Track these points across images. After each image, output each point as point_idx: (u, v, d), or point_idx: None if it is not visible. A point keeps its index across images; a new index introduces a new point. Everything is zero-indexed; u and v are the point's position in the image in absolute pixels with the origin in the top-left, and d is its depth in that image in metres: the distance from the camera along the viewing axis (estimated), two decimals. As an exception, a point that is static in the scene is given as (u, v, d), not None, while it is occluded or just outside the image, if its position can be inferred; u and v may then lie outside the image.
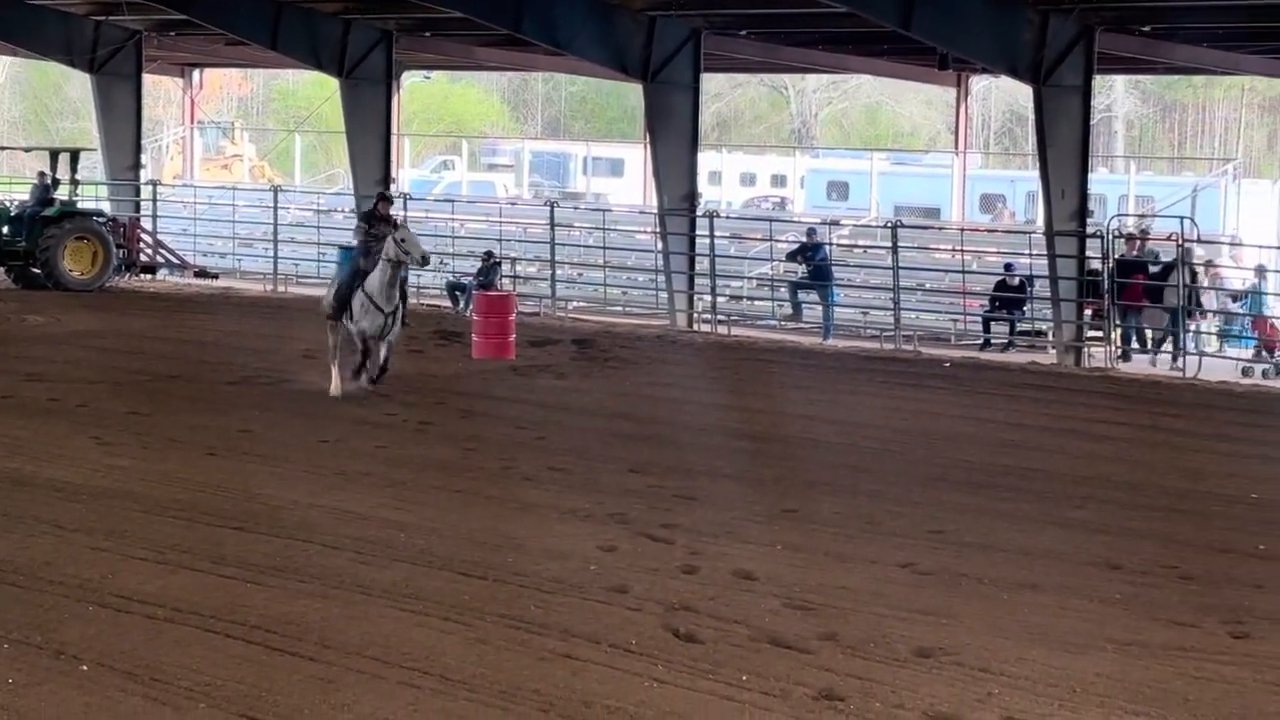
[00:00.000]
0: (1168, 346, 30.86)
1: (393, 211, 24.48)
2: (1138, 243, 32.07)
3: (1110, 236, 30.84)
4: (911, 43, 33.62)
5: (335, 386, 22.76)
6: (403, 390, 23.67)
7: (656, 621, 11.98)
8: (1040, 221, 33.42)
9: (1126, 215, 38.19)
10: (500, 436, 20.13)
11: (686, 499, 16.52)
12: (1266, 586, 13.76)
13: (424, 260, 22.78)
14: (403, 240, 22.29)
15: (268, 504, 15.78)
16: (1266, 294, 31.60)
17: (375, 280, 22.45)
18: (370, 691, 10.31)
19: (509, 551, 14.09)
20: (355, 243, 23.91)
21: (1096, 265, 30.74)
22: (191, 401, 22.24)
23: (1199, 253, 32.01)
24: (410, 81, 61.16)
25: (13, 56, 62.29)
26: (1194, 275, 30.55)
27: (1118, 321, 30.76)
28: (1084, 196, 30.68)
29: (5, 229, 37.19)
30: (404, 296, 23.30)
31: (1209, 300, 31.74)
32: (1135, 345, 31.36)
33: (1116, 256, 30.68)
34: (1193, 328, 30.86)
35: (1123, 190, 45.41)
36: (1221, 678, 11.12)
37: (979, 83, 43.74)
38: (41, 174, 38.69)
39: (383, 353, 22.85)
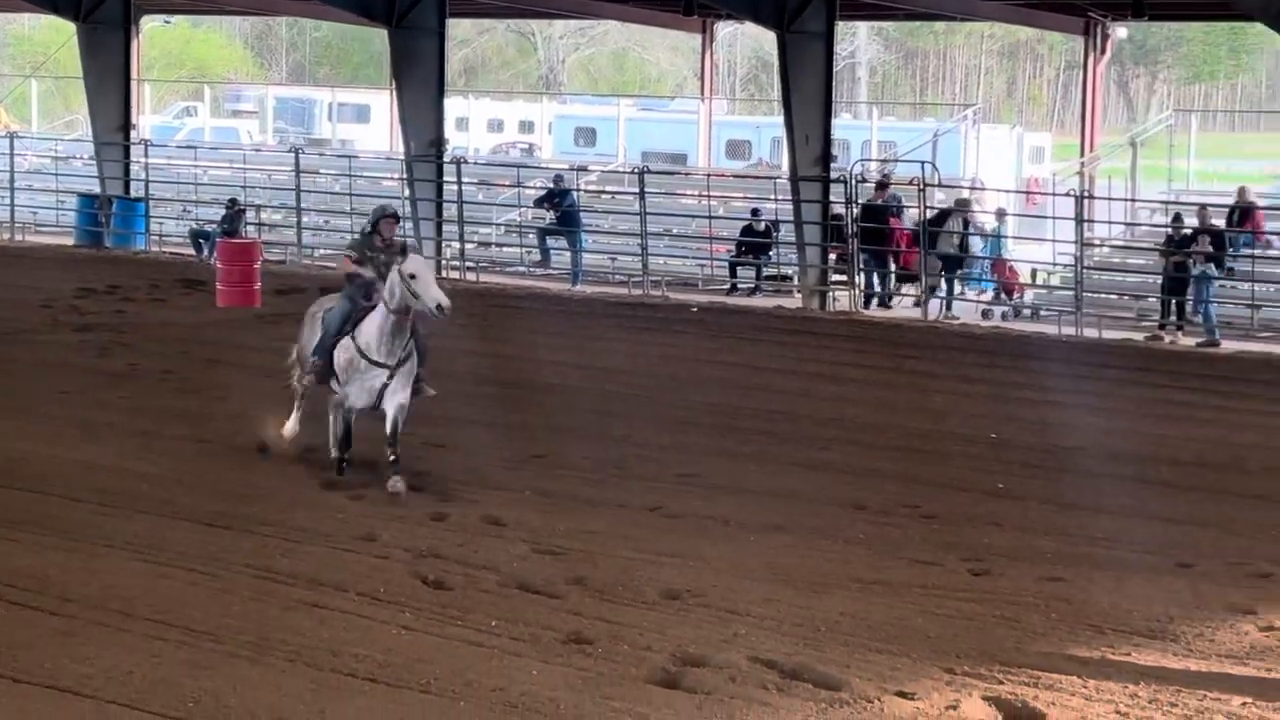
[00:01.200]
0: (911, 290, 31.27)
1: (391, 235, 15.89)
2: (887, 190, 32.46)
3: (854, 182, 31.19)
4: (658, -12, 33.69)
5: (280, 432, 16.10)
6: (146, 339, 23.31)
7: (405, 569, 11.96)
8: (785, 167, 33.65)
9: (869, 160, 38.63)
10: (246, 385, 19.85)
11: (436, 446, 16.46)
12: (1005, 524, 14.07)
13: (440, 310, 14.85)
14: (412, 277, 14.90)
15: (7, 456, 15.46)
16: (1006, 237, 32.14)
17: (372, 328, 15.22)
18: (113, 644, 10.17)
19: (255, 501, 13.97)
20: (350, 272, 15.90)
21: (840, 210, 31.08)
22: (-74, 353, 21.73)
23: (953, 198, 32.45)
24: (150, 26, 60.01)
25: None
26: (967, 223, 30.98)
27: (861, 266, 31.12)
28: (827, 142, 30.97)
29: None
30: (420, 351, 15.55)
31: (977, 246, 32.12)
32: (879, 289, 31.75)
33: (863, 202, 31.05)
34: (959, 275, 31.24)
35: (866, 136, 45.91)
36: (961, 614, 11.35)
37: (724, 29, 43.94)
38: None
39: (390, 414, 15.20)
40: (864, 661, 10.22)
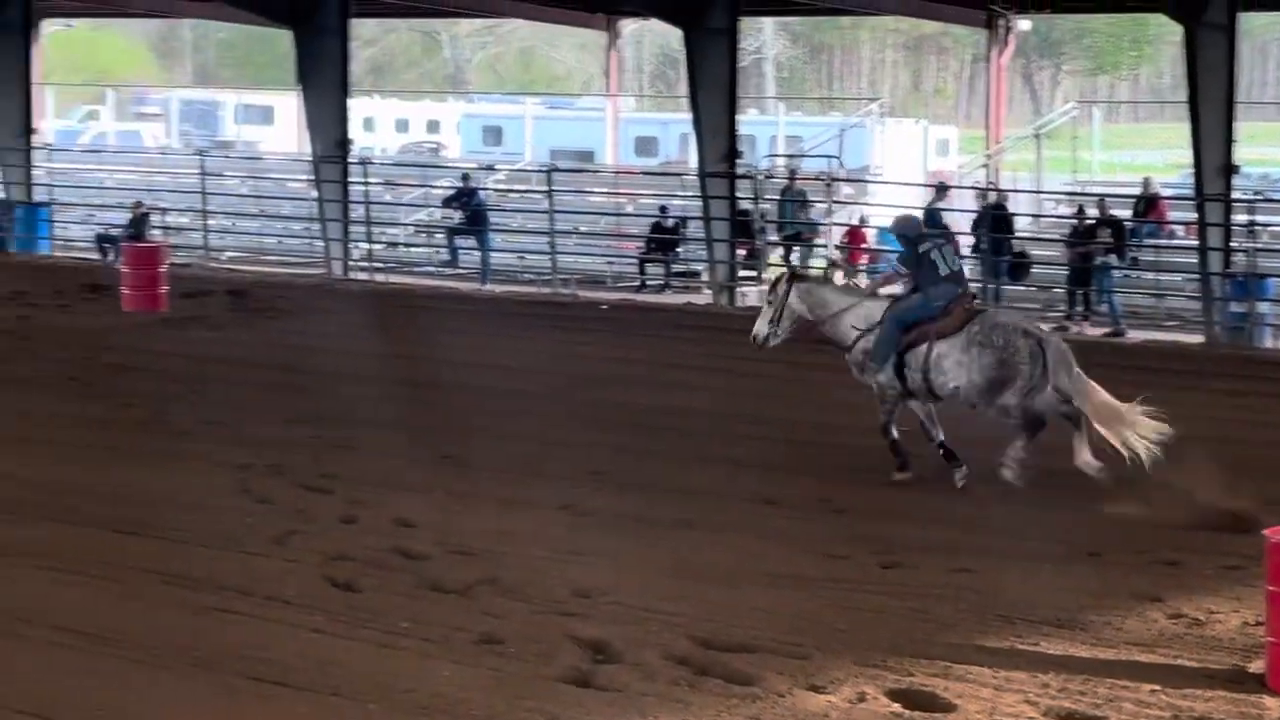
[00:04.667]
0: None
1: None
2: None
3: (761, 177, 31.26)
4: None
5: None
6: (51, 345, 23.12)
7: (315, 572, 11.90)
8: (693, 163, 33.69)
9: (776, 155, 38.74)
10: (152, 390, 19.76)
11: (346, 448, 16.41)
12: (913, 517, 14.12)
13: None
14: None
15: (-91, 466, 15.31)
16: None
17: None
18: (18, 653, 10.09)
19: (163, 507, 13.86)
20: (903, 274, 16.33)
21: (748, 206, 31.17)
22: None
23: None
24: (51, 30, 59.51)
25: None
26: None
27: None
28: (733, 138, 31.04)
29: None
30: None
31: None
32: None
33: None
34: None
35: (773, 131, 46.05)
36: (872, 607, 11.39)
37: (630, 26, 43.85)
38: None
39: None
40: (775, 656, 10.23)
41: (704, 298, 31.35)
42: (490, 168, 38.71)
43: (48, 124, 48.45)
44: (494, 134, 51.97)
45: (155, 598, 11.22)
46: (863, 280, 19.12)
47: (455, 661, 10.09)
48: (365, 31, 68.91)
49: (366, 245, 34.59)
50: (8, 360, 21.82)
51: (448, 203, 35.17)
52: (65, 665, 9.93)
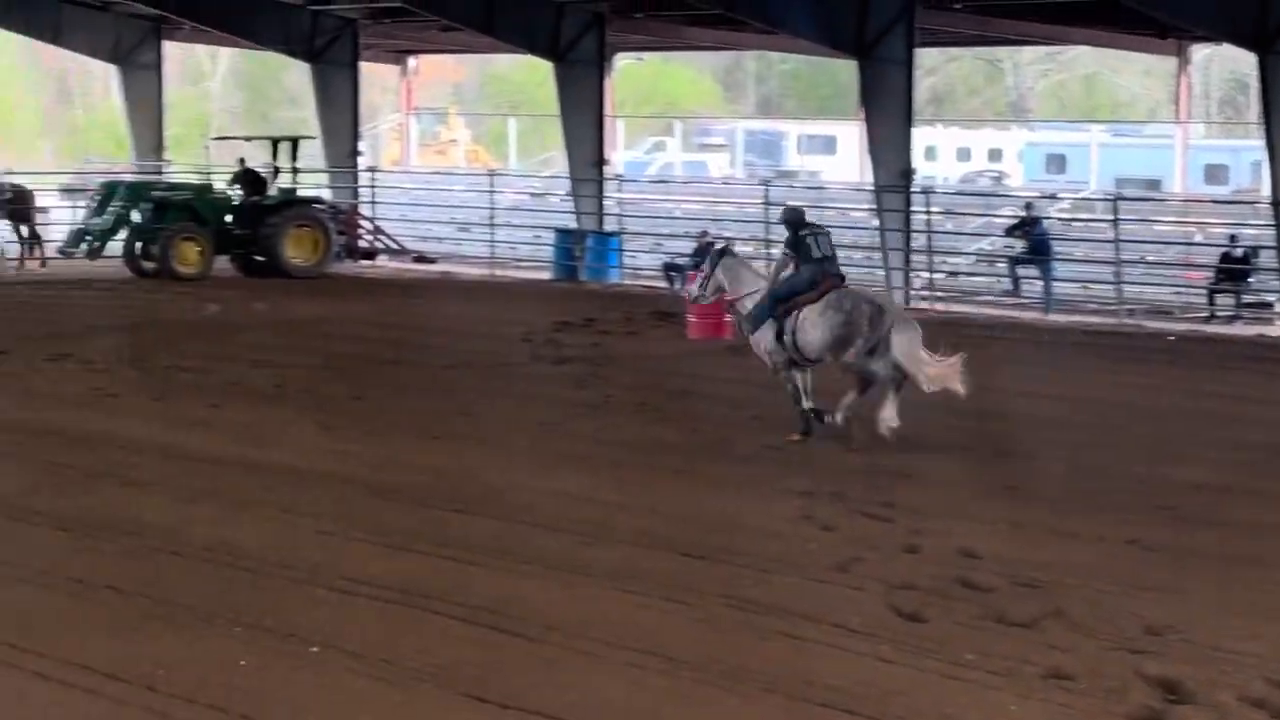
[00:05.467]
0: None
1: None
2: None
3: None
4: (1130, 11, 33.06)
5: None
6: (620, 371, 23.75)
7: (879, 600, 11.88)
8: (1266, 191, 32.67)
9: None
10: (717, 416, 20.08)
11: (905, 476, 16.40)
12: None
13: None
14: None
15: (489, 486, 15.88)
16: None
17: None
18: (594, 672, 10.34)
19: (728, 531, 14.06)
20: None
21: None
22: (412, 386, 22.46)
23: None
24: (623, 63, 61.27)
25: (233, 47, 63.47)
26: None
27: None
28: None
29: (229, 218, 37.76)
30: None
31: None
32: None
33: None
34: None
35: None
36: None
37: (1200, 51, 42.92)
38: (241, 160, 39.09)
39: None
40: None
41: (1277, 329, 30.36)
42: (1053, 196, 38.26)
43: (618, 155, 49.94)
44: (1057, 162, 51.41)
45: (725, 621, 11.37)
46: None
47: (1020, 695, 9.96)
48: (927, 60, 68.87)
49: (927, 274, 34.57)
50: (582, 386, 22.47)
51: (1010, 231, 34.91)
52: (641, 684, 10.15)
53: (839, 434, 18.08)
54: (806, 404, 18.64)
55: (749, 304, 19.15)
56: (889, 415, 17.86)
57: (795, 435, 18.45)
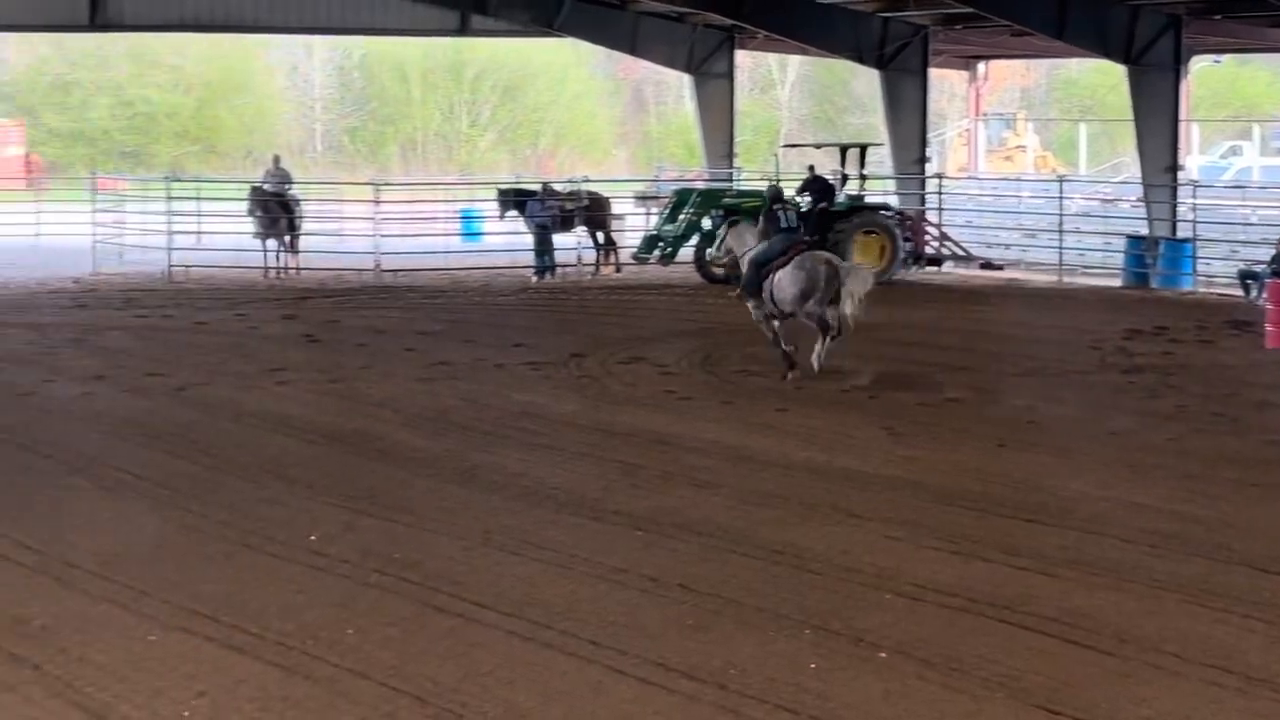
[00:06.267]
0: None
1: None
2: None
3: None
4: None
5: None
6: (1193, 381, 23.15)
7: None
8: None
9: None
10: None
11: None
12: None
13: None
14: None
15: (1056, 495, 15.65)
16: None
17: None
18: (1170, 689, 10.07)
19: (1309, 547, 13.54)
20: None
21: None
22: (978, 393, 22.30)
23: None
24: (1199, 66, 59.79)
25: (803, 55, 64.26)
26: None
27: None
28: None
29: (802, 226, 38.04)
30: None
31: None
32: None
33: None
34: None
35: None
36: None
37: None
38: (810, 168, 39.30)
39: None
40: None
41: None
42: None
43: (1192, 160, 48.76)
44: None
45: (1302, 640, 10.98)
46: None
47: None
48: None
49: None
50: (1152, 395, 21.96)
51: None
52: (1220, 704, 9.84)
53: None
54: (787, 347, 22.95)
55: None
56: (818, 354, 22.71)
57: (791, 374, 22.60)
